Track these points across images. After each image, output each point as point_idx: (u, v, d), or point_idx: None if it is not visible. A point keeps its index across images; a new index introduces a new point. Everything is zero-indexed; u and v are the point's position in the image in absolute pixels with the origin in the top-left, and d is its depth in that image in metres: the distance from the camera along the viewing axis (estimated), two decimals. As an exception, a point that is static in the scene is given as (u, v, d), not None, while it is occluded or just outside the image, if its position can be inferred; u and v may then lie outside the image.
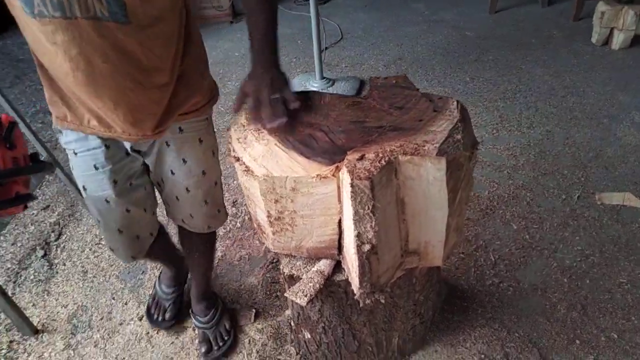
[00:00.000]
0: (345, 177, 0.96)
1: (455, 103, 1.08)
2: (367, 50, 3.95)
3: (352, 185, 0.94)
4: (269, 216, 1.16)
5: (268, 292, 1.82)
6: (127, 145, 1.19)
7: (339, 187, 1.03)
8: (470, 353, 1.56)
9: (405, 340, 1.50)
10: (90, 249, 2.12)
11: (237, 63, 3.94)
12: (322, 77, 3.23)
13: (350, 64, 3.74)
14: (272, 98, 0.98)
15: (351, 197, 0.96)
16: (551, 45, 3.71)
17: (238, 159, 1.10)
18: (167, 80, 1.07)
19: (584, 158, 2.42)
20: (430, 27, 4.27)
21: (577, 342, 1.57)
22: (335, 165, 1.00)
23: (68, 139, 1.16)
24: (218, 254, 2.04)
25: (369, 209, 0.98)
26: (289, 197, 1.09)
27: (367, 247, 1.05)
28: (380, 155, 0.97)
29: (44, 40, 0.92)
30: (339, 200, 1.06)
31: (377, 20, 4.59)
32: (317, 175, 1.02)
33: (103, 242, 2.11)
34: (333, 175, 1.01)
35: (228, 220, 2.21)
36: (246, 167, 1.09)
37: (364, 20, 4.60)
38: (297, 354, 1.59)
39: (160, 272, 1.81)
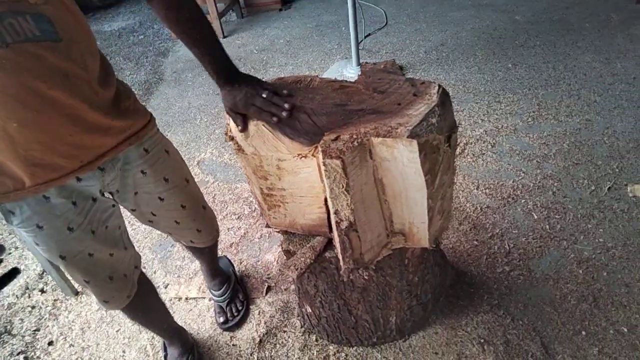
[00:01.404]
0: (319, 156, 1.02)
1: (436, 88, 1.10)
2: (410, 36, 3.92)
3: (324, 164, 1.00)
4: (261, 192, 1.25)
5: (282, 269, 1.92)
6: (96, 189, 1.10)
7: (319, 167, 1.09)
8: (470, 337, 1.58)
9: (404, 320, 1.54)
10: (128, 222, 2.31)
11: (281, 50, 4.04)
12: (359, 64, 3.25)
13: (392, 50, 3.72)
14: (265, 97, 1.10)
15: (325, 175, 1.03)
16: (606, 30, 3.50)
17: (232, 138, 1.19)
18: (110, 94, 1.05)
19: (622, 149, 2.30)
20: (478, 12, 4.16)
21: (583, 333, 1.54)
22: (315, 145, 1.06)
23: (25, 215, 1.02)
24: (241, 232, 2.17)
25: (343, 187, 1.04)
26: (276, 175, 1.17)
27: (345, 223, 1.11)
28: (355, 136, 1.02)
29: None
30: (322, 180, 1.12)
31: (424, 5, 4.52)
32: (298, 154, 1.09)
33: (137, 223, 2.25)
34: (313, 155, 1.07)
35: (253, 200, 2.34)
36: (238, 145, 1.17)
37: (411, 6, 4.55)
38: (302, 327, 1.68)
39: (166, 354, 1.67)
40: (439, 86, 1.10)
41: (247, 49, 4.14)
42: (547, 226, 1.94)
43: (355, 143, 1.01)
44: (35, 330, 1.87)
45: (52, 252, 1.10)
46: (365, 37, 3.96)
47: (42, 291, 2.04)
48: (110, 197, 1.17)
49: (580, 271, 1.74)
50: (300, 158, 1.08)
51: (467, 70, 3.24)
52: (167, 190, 1.23)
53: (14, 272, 0.97)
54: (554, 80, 2.98)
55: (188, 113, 3.32)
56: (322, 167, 1.02)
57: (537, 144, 2.42)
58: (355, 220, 1.10)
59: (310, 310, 1.56)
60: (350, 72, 3.26)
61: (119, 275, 1.24)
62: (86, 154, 1.02)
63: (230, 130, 1.22)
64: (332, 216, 1.13)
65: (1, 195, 0.99)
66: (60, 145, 0.96)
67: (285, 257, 1.39)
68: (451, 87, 3.05)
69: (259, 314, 1.77)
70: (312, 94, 1.18)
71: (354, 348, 1.60)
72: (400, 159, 1.03)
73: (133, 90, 1.18)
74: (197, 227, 1.39)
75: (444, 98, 1.08)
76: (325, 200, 1.17)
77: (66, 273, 1.16)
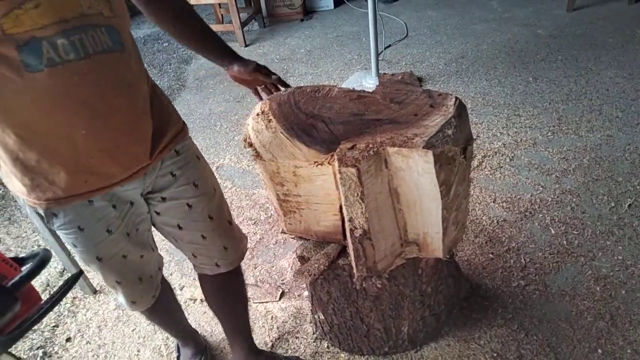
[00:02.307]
0: (335, 164, 1.04)
1: (453, 100, 1.11)
2: (430, 48, 3.93)
3: (340, 172, 1.02)
4: (278, 198, 1.27)
5: (296, 275, 1.93)
6: (137, 192, 1.12)
7: (335, 175, 1.11)
8: (483, 350, 1.56)
9: (416, 330, 1.54)
10: (147, 224, 2.36)
11: (302, 60, 4.08)
12: (378, 75, 3.27)
13: (412, 62, 3.73)
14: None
15: (340, 182, 1.05)
16: (630, 45, 3.46)
17: (251, 145, 1.22)
18: (151, 100, 1.07)
19: (645, 165, 2.27)
20: (500, 25, 4.15)
21: (599, 351, 1.52)
22: (331, 153, 1.08)
23: (68, 218, 1.04)
24: (257, 237, 2.19)
25: (357, 195, 1.05)
26: (292, 181, 1.19)
27: (359, 231, 1.12)
28: (370, 145, 1.04)
29: (50, 97, 0.87)
30: (337, 187, 1.14)
31: (446, 17, 4.53)
32: (315, 162, 1.11)
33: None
34: (329, 163, 1.09)
35: (269, 206, 2.36)
36: (256, 152, 1.20)
37: (432, 18, 4.56)
38: (314, 333, 1.69)
39: (179, 355, 1.70)
40: (456, 98, 1.12)
41: (269, 57, 4.20)
42: (565, 242, 1.92)
43: (371, 152, 1.02)
44: (54, 327, 1.92)
45: (89, 254, 1.11)
46: (385, 48, 3.98)
47: (62, 289, 2.09)
48: (148, 199, 1.17)
49: (598, 288, 1.72)
50: (317, 165, 1.10)
51: (487, 83, 3.23)
52: (196, 196, 1.19)
53: (79, 275, 0.98)
54: (575, 94, 2.95)
55: (209, 119, 3.38)
56: (338, 175, 1.04)
57: (557, 159, 2.40)
58: (369, 229, 1.12)
59: (323, 317, 1.57)
60: (369, 83, 3.28)
61: (147, 277, 1.25)
62: (137, 163, 1.04)
63: (249, 137, 1.25)
64: (347, 224, 1.14)
65: (52, 201, 1.00)
66: (117, 153, 0.99)
67: (299, 263, 1.40)
68: (470, 100, 3.05)
69: (271, 319, 1.78)
70: (330, 103, 1.21)
71: (366, 357, 1.60)
72: (416, 169, 1.05)
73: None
74: (224, 244, 1.29)
75: (461, 110, 1.10)
76: (340, 207, 1.19)
77: (98, 274, 1.17)
